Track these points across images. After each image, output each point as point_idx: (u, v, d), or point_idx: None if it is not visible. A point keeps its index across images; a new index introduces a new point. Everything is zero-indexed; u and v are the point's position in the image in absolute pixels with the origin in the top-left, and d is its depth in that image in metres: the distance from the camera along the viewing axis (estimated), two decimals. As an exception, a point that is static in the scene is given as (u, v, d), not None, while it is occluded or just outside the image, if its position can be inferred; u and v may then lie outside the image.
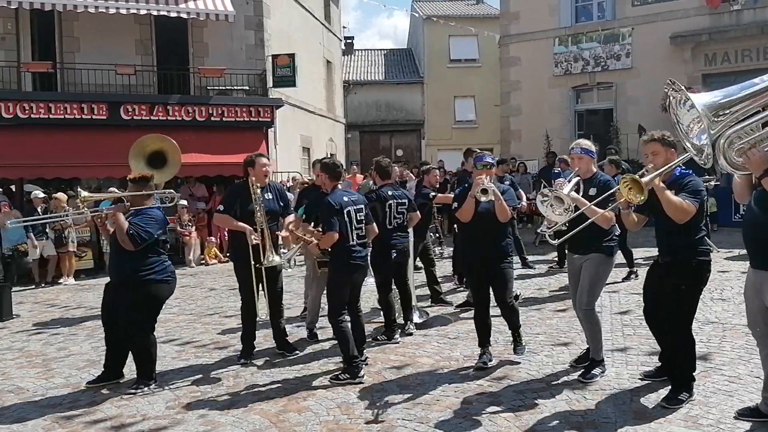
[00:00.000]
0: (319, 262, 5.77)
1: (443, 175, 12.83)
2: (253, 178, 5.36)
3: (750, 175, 3.54)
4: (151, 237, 4.80)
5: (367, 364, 5.05)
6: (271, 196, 5.53)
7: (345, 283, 5.04)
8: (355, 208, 5.00)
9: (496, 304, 5.03)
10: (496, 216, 4.79)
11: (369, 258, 5.38)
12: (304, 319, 6.52)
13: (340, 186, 5.20)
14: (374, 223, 5.30)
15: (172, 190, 5.74)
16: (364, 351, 5.18)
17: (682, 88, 3.49)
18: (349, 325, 4.99)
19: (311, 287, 6.37)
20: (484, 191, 4.64)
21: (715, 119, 3.28)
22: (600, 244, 4.53)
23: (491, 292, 5.04)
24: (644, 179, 3.74)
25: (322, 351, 5.70)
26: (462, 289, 8.02)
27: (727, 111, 3.30)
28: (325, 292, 5.58)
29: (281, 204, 5.64)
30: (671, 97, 3.53)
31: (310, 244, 5.12)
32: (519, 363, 5.06)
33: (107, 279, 5.16)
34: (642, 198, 3.72)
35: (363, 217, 5.06)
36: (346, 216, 4.91)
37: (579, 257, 4.65)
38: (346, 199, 5.00)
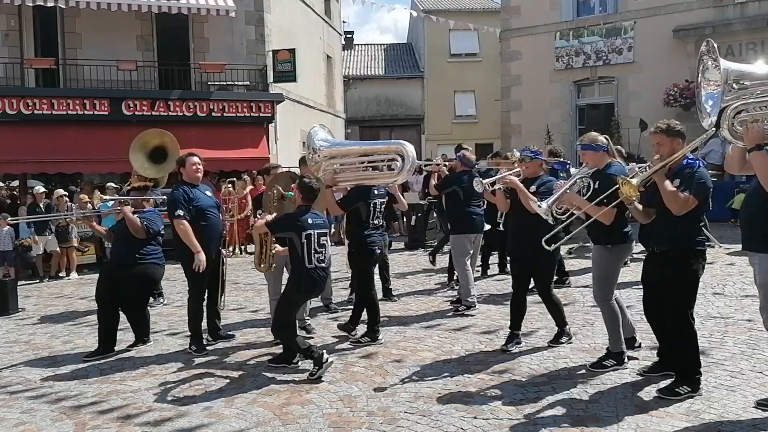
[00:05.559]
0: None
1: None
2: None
3: (743, 149, 3.70)
4: (158, 229, 5.82)
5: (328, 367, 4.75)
6: (210, 193, 5.86)
7: (298, 302, 5.09)
8: (318, 231, 4.84)
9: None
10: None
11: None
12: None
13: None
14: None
15: (164, 197, 6.19)
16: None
17: (716, 49, 3.64)
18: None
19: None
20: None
21: (734, 86, 3.48)
22: (601, 235, 4.57)
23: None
24: (634, 180, 3.96)
25: (323, 345, 5.73)
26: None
27: (749, 83, 3.49)
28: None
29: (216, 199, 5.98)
30: (706, 60, 3.66)
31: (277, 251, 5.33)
32: (520, 357, 5.09)
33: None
34: (636, 196, 3.97)
35: (325, 242, 4.91)
36: (304, 238, 4.76)
37: (593, 247, 4.78)
38: (310, 221, 4.83)
